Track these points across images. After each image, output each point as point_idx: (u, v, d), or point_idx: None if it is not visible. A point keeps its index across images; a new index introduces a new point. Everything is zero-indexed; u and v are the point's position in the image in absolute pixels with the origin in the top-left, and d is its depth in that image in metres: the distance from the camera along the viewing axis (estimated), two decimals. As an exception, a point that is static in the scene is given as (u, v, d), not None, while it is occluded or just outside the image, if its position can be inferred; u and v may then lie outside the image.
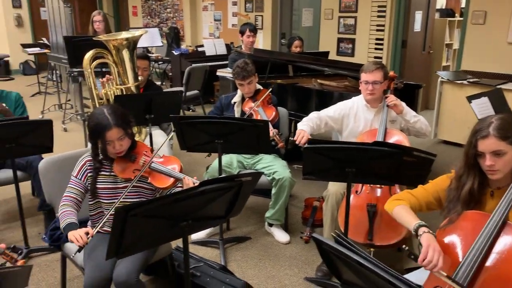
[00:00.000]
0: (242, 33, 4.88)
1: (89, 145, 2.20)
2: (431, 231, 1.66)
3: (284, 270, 2.83)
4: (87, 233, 1.91)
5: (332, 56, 6.32)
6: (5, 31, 10.05)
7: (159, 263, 2.40)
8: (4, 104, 3.16)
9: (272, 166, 3.08)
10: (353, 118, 2.89)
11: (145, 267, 2.15)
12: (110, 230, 2.00)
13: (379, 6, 6.11)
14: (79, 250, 1.88)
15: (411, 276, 1.86)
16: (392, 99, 2.73)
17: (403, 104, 2.77)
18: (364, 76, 2.75)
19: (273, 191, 3.07)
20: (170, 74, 8.07)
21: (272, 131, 2.88)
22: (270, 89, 3.27)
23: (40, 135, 2.78)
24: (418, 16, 6.45)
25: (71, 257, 2.04)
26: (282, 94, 4.03)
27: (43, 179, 2.41)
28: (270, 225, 3.24)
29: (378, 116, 2.79)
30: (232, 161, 3.20)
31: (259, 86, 3.33)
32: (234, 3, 8.35)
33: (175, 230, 1.70)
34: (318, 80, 4.25)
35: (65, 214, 2.07)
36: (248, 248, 3.08)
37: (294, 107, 4.05)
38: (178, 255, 2.55)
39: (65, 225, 2.01)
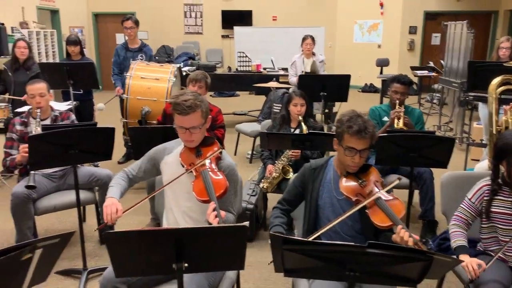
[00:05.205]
0: None
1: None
2: None
3: None
4: (479, 265, 1.97)
5: None
6: (397, 54, 11.24)
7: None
8: (409, 119, 3.58)
9: None
10: None
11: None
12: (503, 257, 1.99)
13: None
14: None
15: None
16: None
17: None
18: None
19: None
20: None
21: None
22: None
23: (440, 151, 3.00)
24: None
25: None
26: None
27: (443, 190, 2.61)
28: None
29: None
30: None
31: None
32: None
33: None
34: None
35: (456, 234, 2.20)
36: None
37: None
38: None
39: (456, 246, 2.15)
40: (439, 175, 2.81)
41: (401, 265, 1.51)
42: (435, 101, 8.46)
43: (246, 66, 7.73)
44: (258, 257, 3.27)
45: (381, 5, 11.24)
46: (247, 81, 7.54)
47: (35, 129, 3.08)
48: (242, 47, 8.77)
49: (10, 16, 8.27)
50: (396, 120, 3.48)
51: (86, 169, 3.33)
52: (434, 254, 1.46)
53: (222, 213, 1.94)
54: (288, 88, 6.16)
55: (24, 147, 2.90)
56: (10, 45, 7.17)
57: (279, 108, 6.15)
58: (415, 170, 3.47)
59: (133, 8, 11.47)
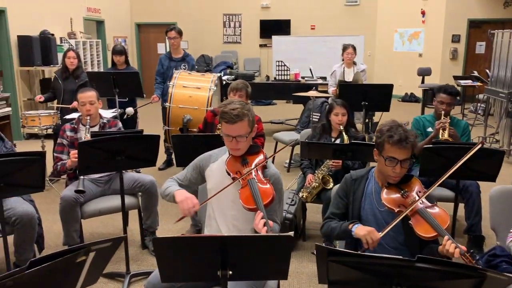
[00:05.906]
0: None
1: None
2: None
3: None
4: None
5: None
6: (439, 63, 10.95)
7: None
8: (454, 130, 3.48)
9: None
10: None
11: None
12: None
13: None
14: None
15: None
16: None
17: None
18: None
19: None
20: None
21: None
22: None
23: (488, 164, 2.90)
24: None
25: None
26: None
27: (492, 204, 2.51)
28: None
29: None
30: None
31: None
32: None
33: None
34: None
35: None
36: None
37: None
38: None
39: None
40: (486, 189, 2.71)
41: (451, 281, 1.46)
42: (479, 111, 8.17)
43: (284, 75, 7.75)
44: (297, 267, 3.25)
45: (423, 13, 11.00)
46: (285, 90, 7.56)
47: (84, 135, 3.21)
48: (280, 56, 8.80)
49: (60, 27, 8.67)
50: (441, 131, 3.39)
51: (130, 175, 3.43)
52: (487, 271, 1.40)
53: (269, 222, 1.94)
54: (327, 98, 6.12)
55: (74, 153, 3.02)
56: (59, 55, 7.53)
57: (318, 117, 6.12)
58: (460, 183, 3.37)
59: (174, 18, 11.76)
